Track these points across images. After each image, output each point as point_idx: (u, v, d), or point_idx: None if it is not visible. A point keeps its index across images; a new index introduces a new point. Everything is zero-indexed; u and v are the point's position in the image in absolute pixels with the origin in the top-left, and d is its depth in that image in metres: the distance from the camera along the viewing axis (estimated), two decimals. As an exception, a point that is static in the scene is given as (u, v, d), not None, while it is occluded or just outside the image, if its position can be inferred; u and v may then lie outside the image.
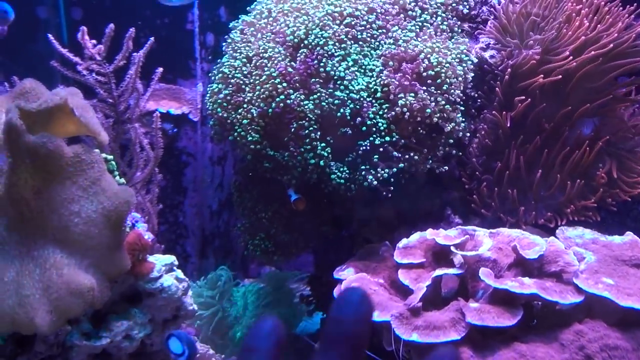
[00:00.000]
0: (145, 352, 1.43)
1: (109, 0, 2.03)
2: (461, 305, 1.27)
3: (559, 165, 1.62)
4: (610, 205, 1.63)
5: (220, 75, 1.69)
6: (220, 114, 1.64)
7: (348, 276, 1.49)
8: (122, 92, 1.47)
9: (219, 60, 1.77)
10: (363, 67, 1.54)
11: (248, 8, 1.75)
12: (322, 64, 1.51)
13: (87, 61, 1.42)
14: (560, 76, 1.53)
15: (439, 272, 1.38)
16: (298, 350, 1.94)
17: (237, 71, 1.64)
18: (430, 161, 1.60)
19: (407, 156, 1.55)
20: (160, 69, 1.51)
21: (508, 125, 1.60)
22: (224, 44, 1.75)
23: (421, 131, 1.55)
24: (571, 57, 1.49)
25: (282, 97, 1.51)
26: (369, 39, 1.55)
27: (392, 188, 1.57)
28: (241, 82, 1.62)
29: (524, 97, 1.58)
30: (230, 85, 1.64)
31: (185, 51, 1.78)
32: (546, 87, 1.56)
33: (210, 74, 2.14)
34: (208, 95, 1.71)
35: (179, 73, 2.05)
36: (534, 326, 1.30)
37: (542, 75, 1.54)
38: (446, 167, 1.61)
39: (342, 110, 1.50)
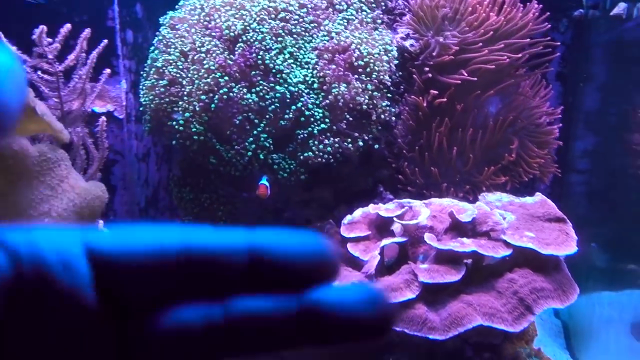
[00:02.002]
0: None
1: (18, -3, 1.94)
2: (412, 267, 1.42)
3: (470, 143, 1.83)
4: (515, 184, 1.86)
5: (153, 70, 1.71)
6: (157, 107, 1.67)
7: (300, 255, 1.59)
8: (69, 92, 1.45)
9: (150, 56, 1.78)
10: (299, 59, 1.63)
11: (177, 6, 1.77)
12: (259, 57, 1.58)
13: (35, 59, 1.38)
14: (466, 75, 1.73)
15: (385, 241, 1.52)
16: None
17: (172, 66, 1.67)
18: (362, 143, 1.74)
19: (341, 141, 1.68)
20: (108, 70, 1.51)
21: (425, 106, 1.78)
22: (155, 40, 1.77)
23: (353, 117, 1.68)
24: (486, 51, 1.69)
25: (224, 89, 1.57)
26: (302, 32, 1.65)
27: (328, 170, 1.69)
28: (178, 75, 1.65)
29: (436, 92, 1.76)
30: (164, 80, 1.67)
31: (106, 48, 1.76)
32: (459, 72, 1.76)
33: (131, 71, 2.13)
34: (143, 90, 1.72)
35: (101, 71, 2.01)
36: (472, 280, 1.48)
37: (459, 72, 1.73)
38: (377, 146, 1.75)
39: (284, 102, 1.59)
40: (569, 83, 2.36)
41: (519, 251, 1.47)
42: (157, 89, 1.67)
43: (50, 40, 1.48)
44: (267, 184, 1.61)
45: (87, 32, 1.42)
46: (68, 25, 1.41)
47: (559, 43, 1.90)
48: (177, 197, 1.84)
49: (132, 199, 2.16)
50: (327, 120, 1.65)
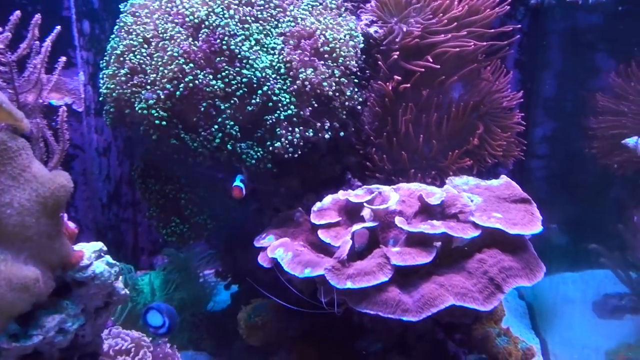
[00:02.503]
0: (77, 345, 1.39)
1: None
2: (384, 251, 1.43)
3: (436, 129, 1.84)
4: (480, 167, 1.89)
5: (114, 57, 1.66)
6: (119, 97, 1.62)
7: (271, 243, 1.57)
8: (23, 83, 1.39)
9: (110, 45, 1.73)
10: (265, 46, 1.62)
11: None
12: (224, 42, 1.56)
13: (-14, 49, 1.32)
14: (431, 61, 1.74)
15: (356, 226, 1.52)
16: (210, 326, 1.98)
17: (134, 53, 1.63)
18: (329, 131, 1.73)
19: (309, 127, 1.67)
20: (64, 58, 1.45)
21: (391, 91, 1.78)
22: (116, 27, 1.72)
23: (320, 103, 1.67)
24: (450, 36, 1.71)
25: (190, 77, 1.54)
26: (268, 18, 1.63)
27: (297, 159, 1.68)
28: (141, 62, 1.61)
29: (400, 78, 1.77)
30: (126, 67, 1.62)
31: (63, 39, 1.69)
32: (424, 59, 1.77)
33: (89, 63, 2.07)
34: (103, 79, 1.68)
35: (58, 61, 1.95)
36: (443, 262, 1.49)
37: (425, 58, 1.74)
38: (343, 133, 1.75)
39: (249, 89, 1.57)
40: (527, 70, 2.42)
41: (487, 232, 1.50)
42: (118, 77, 1.62)
43: (0, 29, 1.42)
44: (241, 185, 1.59)
45: (37, 17, 1.36)
46: (18, 12, 1.35)
47: (519, 26, 1.94)
48: (142, 188, 1.80)
49: (93, 194, 2.10)
50: (293, 106, 1.63)
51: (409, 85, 1.75)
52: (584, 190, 2.24)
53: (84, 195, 2.06)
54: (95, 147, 2.11)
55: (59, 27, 1.42)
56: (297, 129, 1.63)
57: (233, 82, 1.56)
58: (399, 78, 1.75)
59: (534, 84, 2.38)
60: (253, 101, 1.59)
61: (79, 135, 2.01)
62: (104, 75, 1.68)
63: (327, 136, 1.72)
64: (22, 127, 1.15)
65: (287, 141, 1.62)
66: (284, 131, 1.62)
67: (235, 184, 1.58)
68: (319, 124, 1.68)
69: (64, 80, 1.96)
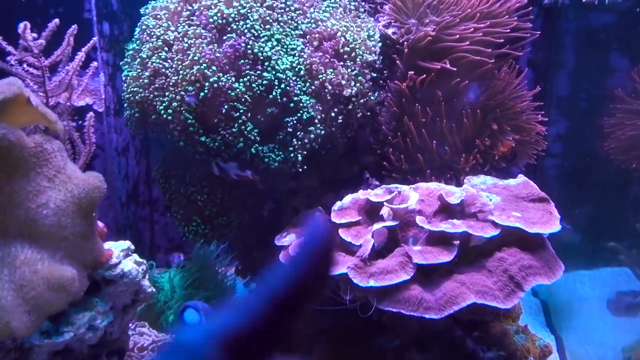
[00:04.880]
0: (105, 341, 1.42)
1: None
2: (406, 250, 1.45)
3: (451, 131, 1.86)
4: (492, 168, 1.90)
5: (138, 60, 1.69)
6: (142, 100, 1.65)
7: (291, 241, 1.60)
8: (54, 87, 1.43)
9: (132, 47, 1.76)
10: (285, 46, 1.64)
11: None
12: (249, 46, 1.58)
13: (20, 52, 1.35)
14: (446, 63, 1.76)
15: (377, 225, 1.55)
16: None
17: (156, 56, 1.66)
18: (348, 131, 1.76)
19: (328, 128, 1.69)
20: (95, 64, 1.49)
21: (408, 92, 1.80)
22: (137, 30, 1.75)
23: (340, 104, 1.69)
24: (468, 43, 1.73)
25: (214, 78, 1.57)
26: (289, 20, 1.66)
27: (315, 159, 1.70)
28: (161, 66, 1.64)
29: (413, 73, 1.79)
30: (149, 71, 1.65)
31: (84, 41, 1.72)
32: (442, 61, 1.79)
33: (109, 64, 2.10)
34: (127, 82, 1.71)
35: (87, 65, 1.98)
36: (461, 260, 1.52)
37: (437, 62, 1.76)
38: (363, 133, 1.78)
39: (273, 93, 1.60)
40: (540, 70, 2.43)
41: (506, 231, 1.52)
42: (141, 79, 1.65)
43: (35, 35, 1.46)
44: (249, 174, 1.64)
45: (73, 28, 1.41)
46: (56, 21, 1.39)
47: (538, 33, 1.95)
48: (164, 189, 1.82)
49: (113, 193, 2.14)
50: (313, 107, 1.66)
51: (424, 77, 1.76)
52: (599, 189, 2.26)
53: (105, 194, 2.09)
54: (114, 147, 2.14)
55: (95, 38, 1.46)
56: (316, 128, 1.66)
57: (254, 84, 1.58)
58: (413, 72, 1.76)
59: (547, 83, 2.40)
60: (273, 103, 1.61)
61: (99, 135, 2.04)
62: (127, 78, 1.70)
63: (345, 137, 1.74)
64: (56, 129, 1.18)
65: (307, 142, 1.64)
66: (303, 131, 1.64)
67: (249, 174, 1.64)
68: (338, 124, 1.70)
69: (85, 81, 1.99)
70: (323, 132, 1.65)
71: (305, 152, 1.65)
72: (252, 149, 1.60)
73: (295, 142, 1.64)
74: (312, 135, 1.64)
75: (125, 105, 1.74)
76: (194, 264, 2.10)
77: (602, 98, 2.26)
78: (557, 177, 2.45)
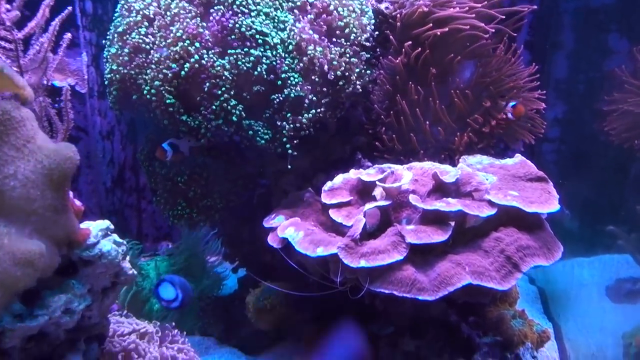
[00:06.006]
0: (84, 326, 1.35)
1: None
2: (399, 229, 1.39)
3: (445, 110, 1.80)
4: (489, 147, 1.84)
5: (117, 37, 1.62)
6: (123, 77, 1.58)
7: (281, 223, 1.53)
8: (29, 62, 1.35)
9: (113, 23, 1.69)
10: (276, 20, 1.57)
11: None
12: (237, 22, 1.51)
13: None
14: (447, 28, 1.70)
15: (369, 205, 1.48)
16: (218, 311, 1.94)
17: (135, 32, 1.59)
18: (339, 110, 1.69)
19: (318, 107, 1.62)
20: (68, 35, 1.41)
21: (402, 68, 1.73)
22: (118, 6, 1.67)
23: (330, 82, 1.62)
24: (457, 9, 1.67)
25: (196, 57, 1.50)
26: (277, -6, 1.59)
27: (306, 139, 1.64)
28: (141, 41, 1.57)
29: (410, 43, 1.72)
30: (128, 46, 1.58)
31: (65, 19, 1.66)
32: (434, 36, 1.72)
33: (92, 44, 2.03)
34: (109, 59, 1.64)
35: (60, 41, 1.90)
36: (457, 241, 1.45)
37: (431, 25, 1.69)
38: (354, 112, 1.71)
39: (258, 69, 1.53)
40: (537, 52, 2.37)
41: (503, 211, 1.45)
42: (121, 57, 1.58)
43: (8, 7, 1.39)
44: (167, 148, 1.56)
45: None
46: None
47: (535, 7, 1.89)
48: (148, 171, 1.76)
49: (97, 178, 2.07)
50: (302, 84, 1.59)
51: (419, 50, 1.69)
52: (598, 174, 2.20)
53: (88, 179, 2.02)
54: (98, 130, 2.07)
55: (69, 8, 1.39)
56: (305, 108, 1.59)
57: (239, 62, 1.51)
58: (409, 43, 1.69)
59: (544, 65, 2.34)
60: (260, 80, 1.54)
61: (82, 118, 1.97)
62: (108, 56, 1.63)
63: (336, 116, 1.68)
64: (25, 95, 1.11)
65: (296, 120, 1.58)
66: (291, 110, 1.57)
67: (163, 144, 1.58)
68: (328, 103, 1.63)
69: (67, 61, 1.92)
70: (312, 114, 1.59)
71: (293, 134, 1.58)
72: (234, 118, 1.52)
73: (286, 125, 1.57)
74: (303, 119, 1.57)
75: (106, 83, 1.67)
76: (181, 251, 2.03)
77: (601, 80, 2.20)
78: (554, 162, 2.39)
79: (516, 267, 1.37)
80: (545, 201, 1.46)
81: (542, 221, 1.49)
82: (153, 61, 1.54)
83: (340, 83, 1.64)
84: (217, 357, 1.85)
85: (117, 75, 1.61)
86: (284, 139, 1.57)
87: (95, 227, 1.31)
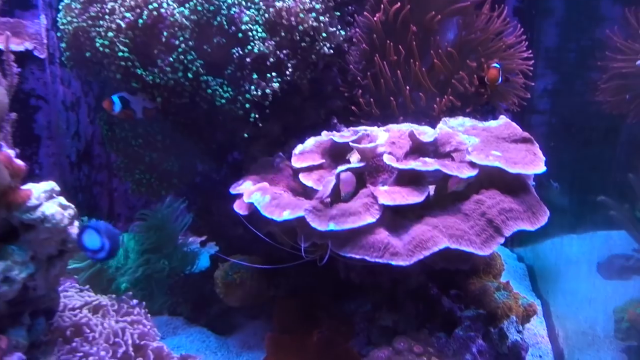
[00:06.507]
0: (28, 298, 1.24)
1: None
2: (372, 190, 1.28)
3: (428, 72, 1.69)
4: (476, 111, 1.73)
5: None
6: (75, 31, 1.47)
7: (248, 188, 1.42)
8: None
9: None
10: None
11: None
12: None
13: None
14: None
15: (341, 167, 1.37)
16: (187, 289, 1.83)
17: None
18: (309, 71, 1.58)
19: (287, 67, 1.51)
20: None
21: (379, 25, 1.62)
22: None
23: (299, 39, 1.51)
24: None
25: (155, 4, 1.38)
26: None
27: (276, 103, 1.52)
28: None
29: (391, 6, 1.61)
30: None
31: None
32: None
33: (52, 7, 1.91)
34: (62, 13, 1.52)
35: (16, 3, 1.78)
36: (436, 206, 1.34)
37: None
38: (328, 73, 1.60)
39: (218, 19, 1.42)
40: (526, 19, 2.26)
41: (486, 174, 1.35)
42: (75, 9, 1.46)
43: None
44: (116, 100, 1.46)
45: None
46: None
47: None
48: (108, 136, 1.64)
49: (60, 150, 1.94)
50: (266, 41, 1.47)
51: (399, 5, 1.58)
52: (588, 145, 2.09)
53: (49, 151, 1.90)
54: (61, 100, 1.95)
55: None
56: (273, 66, 1.48)
57: (199, 8, 1.40)
58: (396, 4, 1.58)
59: (534, 33, 2.23)
60: (220, 31, 1.43)
61: (41, 85, 1.85)
62: (63, 8, 1.52)
63: (307, 76, 1.57)
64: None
65: (262, 80, 1.46)
66: (257, 68, 1.46)
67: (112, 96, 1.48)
68: (298, 64, 1.52)
69: (24, 24, 1.80)
70: (277, 74, 1.47)
71: (261, 96, 1.47)
72: (190, 74, 1.41)
73: (248, 86, 1.46)
74: (267, 73, 1.46)
75: (59, 35, 1.55)
76: (150, 226, 1.91)
77: (593, 48, 2.09)
78: (544, 135, 2.29)
79: (498, 231, 1.26)
80: (530, 162, 1.36)
81: (526, 184, 1.38)
82: (107, 11, 1.43)
83: (307, 39, 1.51)
84: (185, 337, 1.74)
85: (69, 27, 1.50)
86: (246, 102, 1.45)
87: (37, 188, 1.20)
